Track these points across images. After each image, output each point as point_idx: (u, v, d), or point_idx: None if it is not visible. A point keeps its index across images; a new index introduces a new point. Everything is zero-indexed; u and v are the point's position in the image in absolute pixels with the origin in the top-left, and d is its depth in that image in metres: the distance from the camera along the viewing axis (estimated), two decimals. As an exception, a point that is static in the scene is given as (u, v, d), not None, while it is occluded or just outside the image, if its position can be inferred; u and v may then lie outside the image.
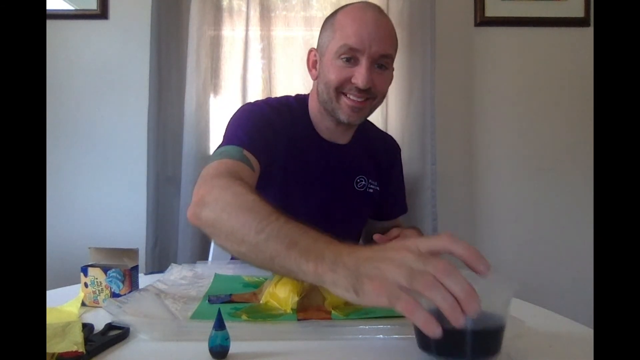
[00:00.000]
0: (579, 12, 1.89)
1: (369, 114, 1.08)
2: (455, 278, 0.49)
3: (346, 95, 1.01)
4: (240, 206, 0.71)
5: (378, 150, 1.21)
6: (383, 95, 1.06)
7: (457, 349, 0.52)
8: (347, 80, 1.00)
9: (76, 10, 1.88)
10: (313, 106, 1.11)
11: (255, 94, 1.81)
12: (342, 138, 1.13)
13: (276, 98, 1.19)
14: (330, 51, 1.01)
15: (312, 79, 1.11)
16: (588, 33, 1.91)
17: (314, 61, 1.09)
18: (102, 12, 1.86)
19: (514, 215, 1.94)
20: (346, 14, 1.02)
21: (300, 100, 1.14)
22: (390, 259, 0.53)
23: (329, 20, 1.06)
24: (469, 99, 1.93)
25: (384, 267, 0.52)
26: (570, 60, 1.92)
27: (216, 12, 1.81)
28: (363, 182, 1.15)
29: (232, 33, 1.83)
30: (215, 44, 1.82)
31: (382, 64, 1.01)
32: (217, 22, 1.82)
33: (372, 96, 1.02)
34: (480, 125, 1.93)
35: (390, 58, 1.03)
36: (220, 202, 0.74)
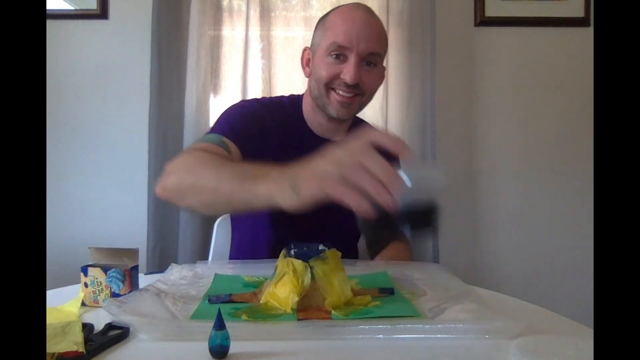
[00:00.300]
0: (579, 12, 1.89)
1: (358, 110, 1.13)
2: (378, 164, 0.57)
3: (335, 90, 1.06)
4: (200, 164, 0.81)
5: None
6: (372, 92, 1.10)
7: (392, 224, 0.61)
8: (337, 76, 1.04)
9: (76, 10, 1.88)
10: (307, 103, 1.15)
11: (255, 94, 1.81)
12: (336, 134, 1.16)
13: (269, 97, 1.23)
14: (322, 49, 1.06)
15: (305, 77, 1.15)
16: (588, 33, 1.91)
17: (307, 59, 1.14)
18: (102, 12, 1.86)
19: (514, 215, 1.94)
20: (337, 14, 1.08)
21: (294, 100, 1.18)
22: (322, 157, 0.61)
23: (322, 20, 1.12)
24: (469, 99, 1.93)
25: (317, 165, 0.61)
26: (570, 60, 1.92)
27: (216, 12, 1.81)
28: None
29: (232, 33, 1.83)
30: (215, 44, 1.82)
31: (371, 62, 1.05)
32: (217, 22, 1.82)
33: (361, 92, 1.06)
34: (480, 125, 1.93)
35: (379, 56, 1.07)
36: (183, 166, 0.83)
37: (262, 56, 1.82)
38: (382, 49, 1.08)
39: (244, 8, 1.80)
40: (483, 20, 1.89)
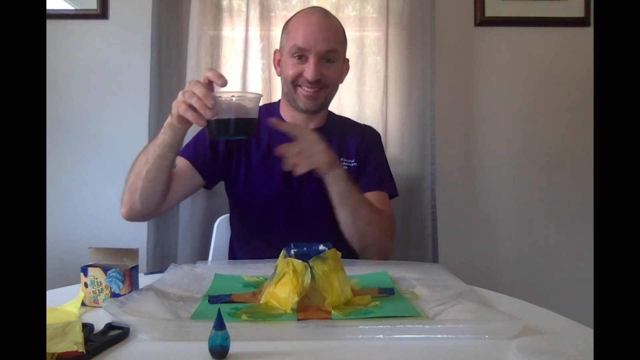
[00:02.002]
0: (579, 12, 1.89)
1: (325, 101, 1.24)
2: (196, 88, 0.90)
3: (301, 86, 1.19)
4: (134, 163, 1.09)
5: (352, 132, 1.32)
6: (334, 84, 1.23)
7: (224, 131, 0.93)
8: (300, 75, 1.17)
9: (76, 10, 1.87)
10: (282, 100, 1.29)
11: (255, 94, 1.81)
12: (311, 124, 1.27)
13: None
14: (286, 51, 1.20)
15: (277, 75, 1.28)
16: (588, 33, 1.91)
17: (278, 60, 1.26)
18: (102, 12, 1.86)
19: (514, 215, 1.94)
20: (296, 18, 1.21)
21: (267, 105, 1.33)
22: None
23: (286, 24, 1.24)
24: (469, 99, 1.93)
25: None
26: (570, 60, 1.92)
27: (216, 12, 1.81)
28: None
29: (232, 33, 1.83)
30: (215, 44, 1.82)
31: (330, 58, 1.18)
32: (217, 22, 1.82)
33: (324, 86, 1.20)
34: (480, 125, 1.93)
35: (336, 52, 1.19)
36: (127, 179, 1.11)
37: (262, 56, 1.82)
38: (339, 45, 1.21)
39: (244, 8, 1.80)
40: (483, 20, 1.89)
